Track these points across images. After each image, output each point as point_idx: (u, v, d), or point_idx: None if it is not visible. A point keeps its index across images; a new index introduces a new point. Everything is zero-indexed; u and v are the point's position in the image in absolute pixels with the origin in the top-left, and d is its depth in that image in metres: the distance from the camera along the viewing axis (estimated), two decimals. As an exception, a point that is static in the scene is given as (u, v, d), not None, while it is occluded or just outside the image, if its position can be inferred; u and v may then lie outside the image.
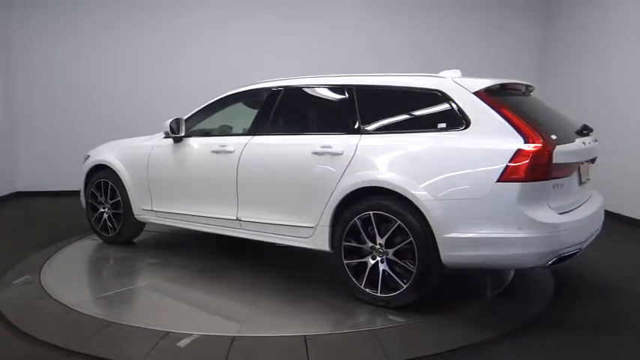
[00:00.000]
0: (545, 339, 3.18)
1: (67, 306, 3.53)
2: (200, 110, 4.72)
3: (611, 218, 5.98)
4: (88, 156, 5.37)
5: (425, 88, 3.57)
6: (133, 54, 7.96)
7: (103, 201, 5.14)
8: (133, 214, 4.97)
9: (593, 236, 3.58)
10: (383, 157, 3.51)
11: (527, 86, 3.90)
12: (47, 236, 5.39)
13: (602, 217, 3.81)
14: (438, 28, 8.14)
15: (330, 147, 3.70)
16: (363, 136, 3.65)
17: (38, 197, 7.81)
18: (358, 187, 3.53)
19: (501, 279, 4.14)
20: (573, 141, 3.44)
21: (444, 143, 3.36)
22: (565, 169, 3.31)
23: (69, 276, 4.29)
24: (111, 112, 7.98)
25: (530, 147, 3.07)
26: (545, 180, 3.14)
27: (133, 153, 5.02)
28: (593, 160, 3.86)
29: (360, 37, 8.03)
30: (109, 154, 5.17)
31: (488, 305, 3.75)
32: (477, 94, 3.37)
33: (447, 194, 3.22)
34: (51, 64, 7.87)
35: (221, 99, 4.63)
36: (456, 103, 3.39)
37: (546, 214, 3.13)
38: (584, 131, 3.71)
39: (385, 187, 3.42)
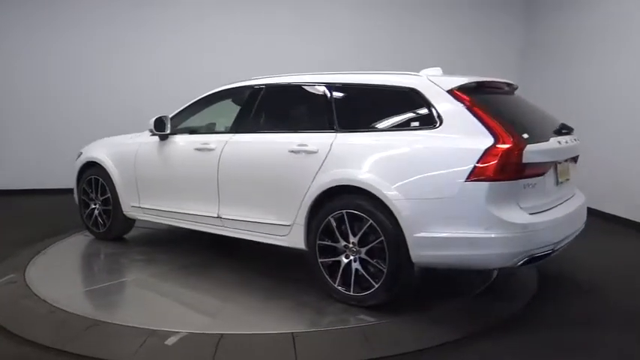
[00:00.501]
0: (520, 338, 3.16)
1: (52, 304, 3.52)
2: (186, 108, 4.74)
3: (594, 215, 6.12)
4: (81, 153, 5.40)
5: (399, 86, 3.55)
6: (115, 51, 7.89)
7: (93, 197, 5.19)
8: (121, 211, 5.01)
9: (573, 236, 3.59)
10: (356, 156, 3.49)
11: (509, 85, 3.89)
12: (31, 234, 5.35)
13: (583, 217, 3.82)
14: (425, 27, 8.24)
15: (305, 145, 3.70)
16: (338, 134, 3.64)
17: (18, 195, 7.72)
18: (331, 185, 3.52)
19: (484, 278, 4.15)
20: (547, 140, 3.39)
21: (415, 142, 3.33)
22: (537, 169, 3.27)
23: (54, 274, 4.25)
24: (92, 109, 7.92)
25: (499, 146, 3.04)
26: (515, 180, 3.11)
27: (121, 150, 5.04)
28: (575, 160, 3.87)
29: (347, 37, 8.07)
30: (99, 151, 5.20)
31: (467, 304, 3.72)
32: (450, 92, 3.35)
33: (416, 193, 3.21)
34: (29, 62, 7.78)
35: (206, 97, 4.64)
36: (429, 102, 3.36)
37: (515, 215, 3.10)
38: (563, 130, 3.69)
39: (357, 185, 3.41)
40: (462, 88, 3.38)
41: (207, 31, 7.98)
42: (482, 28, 8.29)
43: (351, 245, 3.49)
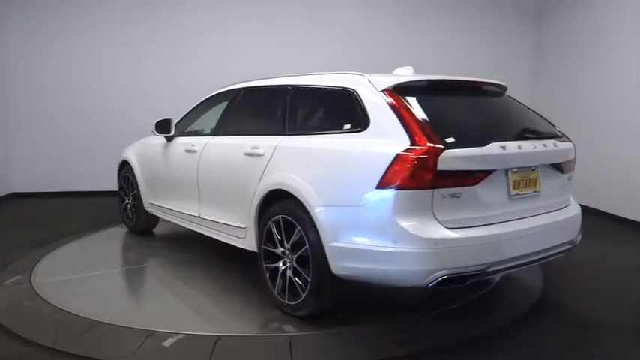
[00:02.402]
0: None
1: (55, 306, 3.57)
2: (190, 111, 4.91)
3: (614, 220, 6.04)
4: (121, 154, 5.77)
5: (340, 87, 3.38)
6: (130, 54, 7.99)
7: (127, 193, 5.63)
8: (143, 207, 5.29)
9: (546, 254, 3.21)
10: (290, 160, 3.44)
11: (494, 85, 3.58)
12: (41, 237, 5.44)
13: (565, 235, 3.36)
14: (431, 29, 8.21)
15: (257, 148, 3.67)
16: (284, 137, 3.57)
17: (34, 198, 7.84)
18: (269, 189, 3.47)
19: (475, 288, 3.80)
20: (484, 145, 2.93)
21: (338, 145, 3.19)
22: (463, 178, 2.86)
23: (59, 276, 4.29)
24: (107, 113, 8.02)
25: (410, 151, 2.76)
26: (428, 189, 2.76)
27: (143, 151, 5.34)
28: (559, 168, 3.40)
29: (352, 37, 8.08)
30: (130, 151, 5.57)
31: (420, 321, 3.42)
32: (384, 92, 3.08)
33: (333, 200, 3.05)
34: (47, 65, 7.90)
35: (203, 101, 4.81)
36: (362, 103, 3.14)
37: (427, 228, 2.76)
38: (527, 135, 3.24)
39: (286, 190, 3.33)
40: (398, 88, 3.10)
41: (215, 33, 8.04)
42: (491, 30, 8.26)
43: (287, 252, 3.39)
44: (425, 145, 2.76)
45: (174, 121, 4.81)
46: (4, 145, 7.82)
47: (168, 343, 3.03)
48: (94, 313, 3.45)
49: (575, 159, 3.59)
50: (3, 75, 7.78)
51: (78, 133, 8.03)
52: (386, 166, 2.81)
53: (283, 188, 3.36)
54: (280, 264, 3.43)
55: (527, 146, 3.15)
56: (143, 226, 5.57)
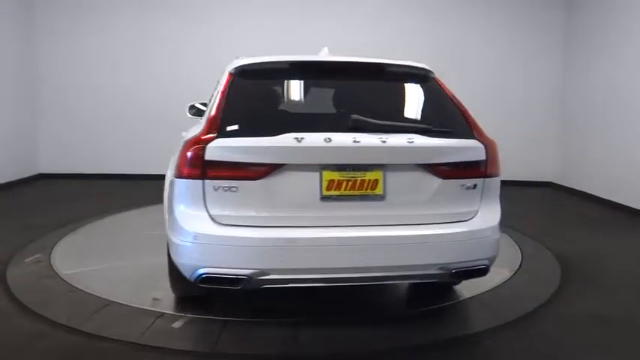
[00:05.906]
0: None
1: (71, 284, 3.66)
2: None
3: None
4: None
5: (225, 71, 3.22)
6: (155, 41, 8.10)
7: None
8: None
9: (373, 274, 2.74)
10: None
11: (378, 66, 3.09)
12: (64, 217, 5.57)
13: (419, 256, 2.70)
14: (459, 22, 8.10)
15: (187, 132, 3.76)
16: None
17: (60, 179, 8.04)
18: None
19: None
20: (274, 135, 2.64)
21: (184, 131, 3.24)
22: (239, 170, 2.62)
23: (78, 255, 4.40)
24: (131, 97, 8.15)
25: (191, 139, 2.72)
26: (198, 179, 2.63)
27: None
28: (434, 171, 2.74)
29: (377, 25, 8.01)
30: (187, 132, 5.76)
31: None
32: (227, 75, 2.98)
33: (166, 187, 3.11)
34: (74, 51, 8.07)
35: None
36: (218, 87, 3.08)
37: (193, 221, 2.65)
38: (360, 127, 2.74)
39: None
40: (239, 72, 2.96)
41: (237, 18, 8.08)
42: (520, 24, 8.11)
43: None
44: (203, 133, 2.70)
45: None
46: (31, 127, 8.03)
47: (177, 324, 3.08)
48: (109, 292, 3.51)
49: (485, 162, 2.83)
50: (31, 61, 7.96)
51: (102, 117, 8.18)
52: (180, 153, 2.77)
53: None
54: None
55: (345, 139, 2.65)
56: None
